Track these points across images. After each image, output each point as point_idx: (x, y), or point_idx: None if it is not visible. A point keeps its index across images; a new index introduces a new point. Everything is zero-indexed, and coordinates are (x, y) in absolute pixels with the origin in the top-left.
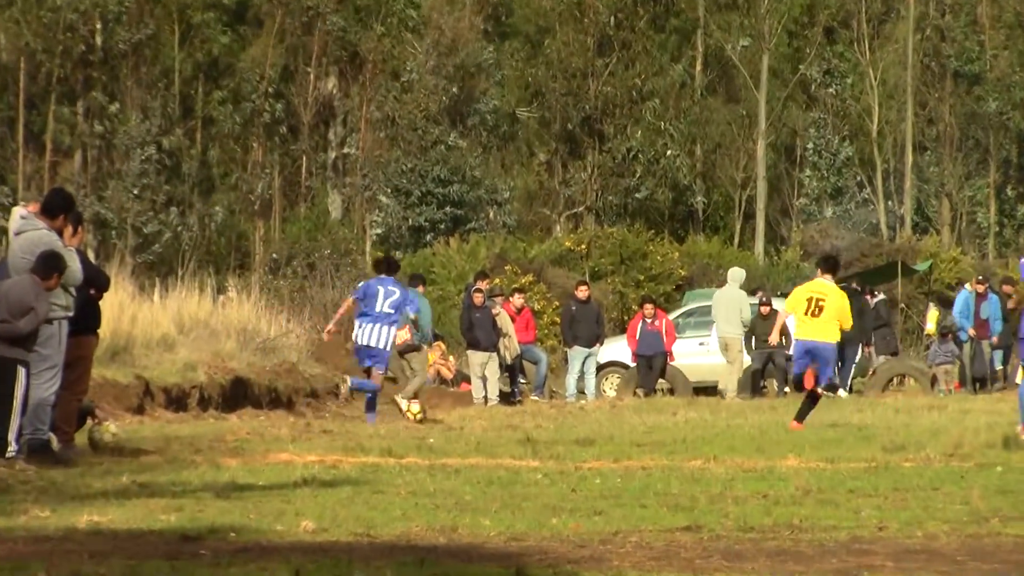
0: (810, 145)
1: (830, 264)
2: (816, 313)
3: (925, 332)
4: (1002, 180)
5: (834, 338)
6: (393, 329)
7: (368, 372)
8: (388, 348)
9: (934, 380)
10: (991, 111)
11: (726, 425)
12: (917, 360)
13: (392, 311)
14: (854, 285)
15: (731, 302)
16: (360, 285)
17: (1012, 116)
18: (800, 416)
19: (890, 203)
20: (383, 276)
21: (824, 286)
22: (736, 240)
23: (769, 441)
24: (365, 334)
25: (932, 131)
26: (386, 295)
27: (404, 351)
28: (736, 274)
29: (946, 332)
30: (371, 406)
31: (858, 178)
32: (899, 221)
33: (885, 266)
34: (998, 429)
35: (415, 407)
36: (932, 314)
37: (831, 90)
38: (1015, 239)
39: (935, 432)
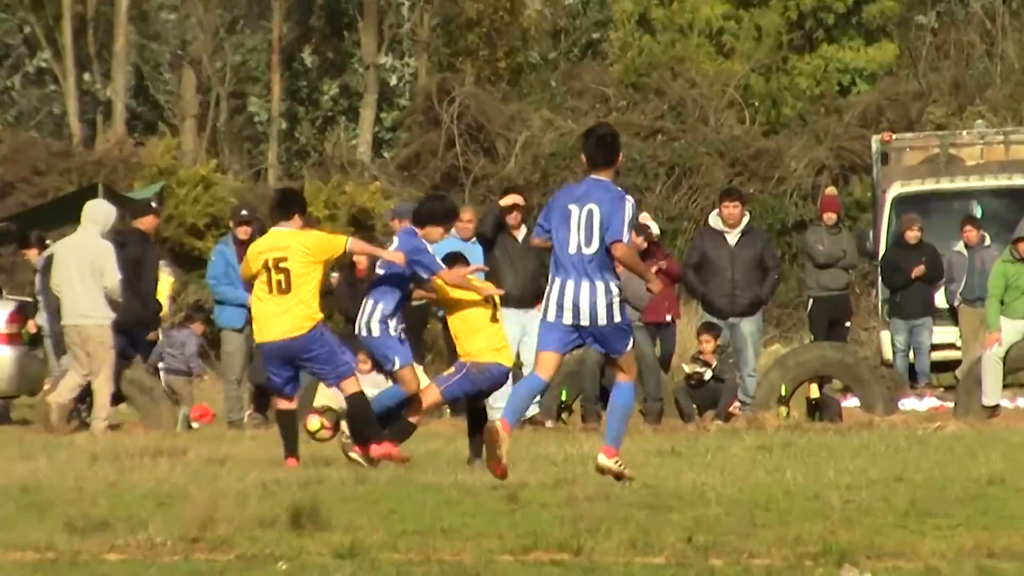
0: None
1: (287, 205)
2: (283, 288)
3: None
4: (294, 36)
5: (308, 326)
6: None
7: None
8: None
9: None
10: None
11: None
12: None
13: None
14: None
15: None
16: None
17: None
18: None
19: (87, 77)
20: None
21: (286, 236)
22: None
23: None
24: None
25: None
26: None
27: None
28: (96, 212)
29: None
30: None
31: (27, 30)
32: (104, 110)
33: (78, 193)
34: (282, 492)
35: None
36: None
37: None
38: (316, 143)
39: (164, 497)
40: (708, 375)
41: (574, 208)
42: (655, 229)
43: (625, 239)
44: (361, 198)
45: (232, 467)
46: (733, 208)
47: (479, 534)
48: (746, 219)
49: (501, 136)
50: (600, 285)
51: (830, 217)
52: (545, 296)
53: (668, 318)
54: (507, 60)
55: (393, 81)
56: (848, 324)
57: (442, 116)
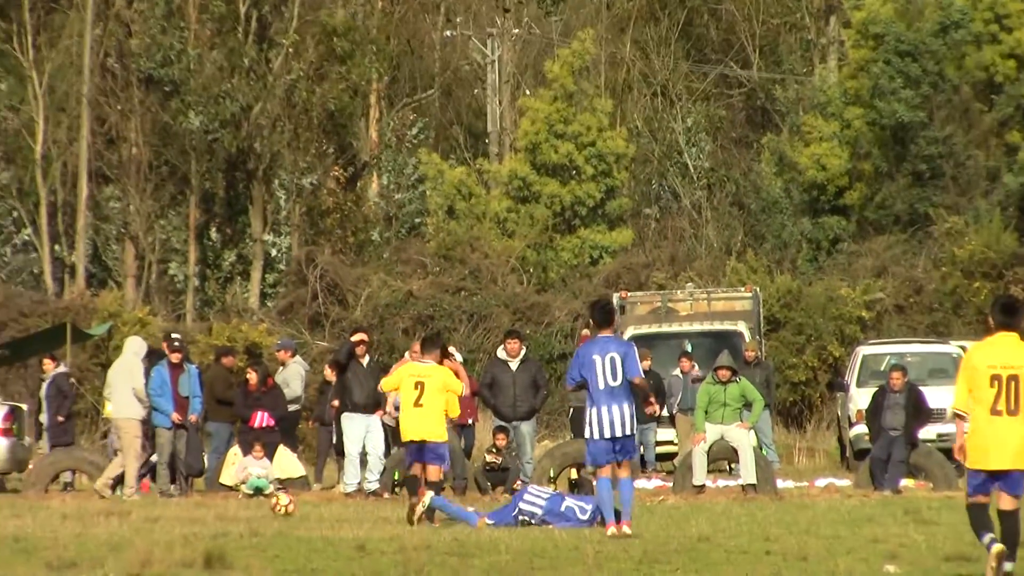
0: None
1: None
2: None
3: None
4: (204, 219)
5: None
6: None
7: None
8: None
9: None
10: (193, 128)
11: None
12: (96, 451)
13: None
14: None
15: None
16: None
17: (221, 136)
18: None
19: (58, 247)
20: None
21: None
22: None
23: None
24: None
25: (115, 155)
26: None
27: None
28: (133, 344)
29: None
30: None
31: (15, 214)
32: (70, 271)
33: (51, 329)
34: (198, 542)
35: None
36: None
37: None
38: (220, 295)
39: (115, 545)
40: (500, 462)
41: (598, 358)
42: (459, 358)
43: (640, 374)
44: (253, 335)
45: (163, 524)
46: (514, 344)
47: (338, 573)
48: (523, 351)
49: (351, 291)
50: (627, 406)
51: None
52: (587, 422)
53: (470, 420)
54: (355, 237)
55: (274, 252)
56: None
57: (309, 277)
